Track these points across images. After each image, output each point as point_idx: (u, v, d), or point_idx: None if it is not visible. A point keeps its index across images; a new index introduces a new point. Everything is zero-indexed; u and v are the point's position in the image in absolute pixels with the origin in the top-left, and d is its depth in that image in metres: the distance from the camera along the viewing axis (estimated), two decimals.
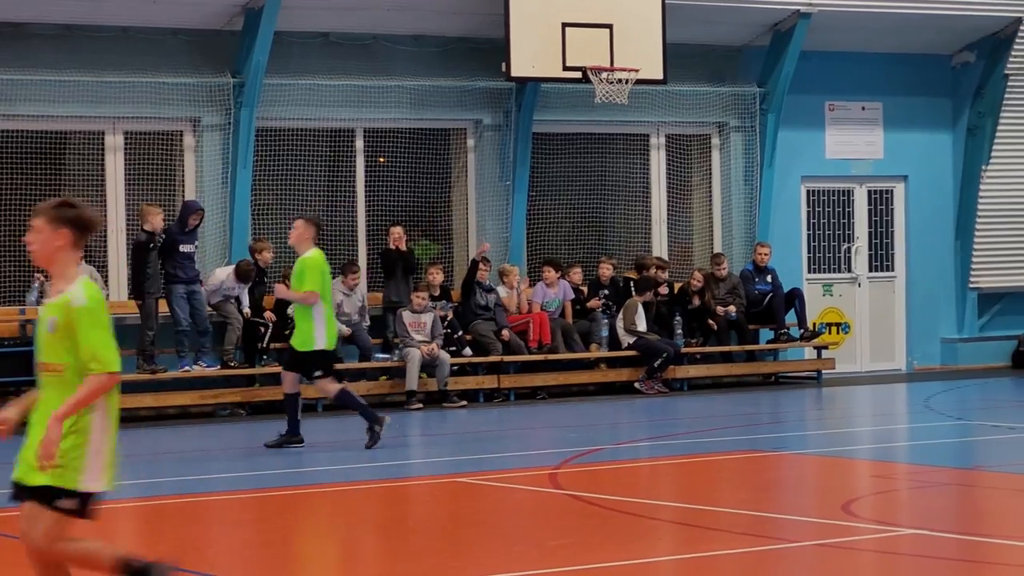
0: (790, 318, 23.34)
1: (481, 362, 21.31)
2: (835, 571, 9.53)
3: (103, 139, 20.40)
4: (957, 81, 25.09)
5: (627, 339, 22.06)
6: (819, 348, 23.70)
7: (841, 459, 15.18)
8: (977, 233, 24.76)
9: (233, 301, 20.08)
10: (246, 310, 20.13)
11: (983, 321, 25.23)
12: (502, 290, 21.83)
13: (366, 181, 21.85)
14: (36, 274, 19.11)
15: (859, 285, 24.81)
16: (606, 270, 22.53)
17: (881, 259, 24.96)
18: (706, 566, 9.66)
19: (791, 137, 23.82)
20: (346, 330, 20.34)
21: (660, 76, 21.95)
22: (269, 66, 20.38)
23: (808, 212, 24.49)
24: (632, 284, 22.42)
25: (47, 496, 6.91)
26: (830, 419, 20.03)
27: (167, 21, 20.47)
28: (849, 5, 23.21)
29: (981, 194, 24.71)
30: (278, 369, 17.83)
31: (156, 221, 19.37)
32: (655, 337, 22.10)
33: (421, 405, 20.31)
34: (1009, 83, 24.52)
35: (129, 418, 19.31)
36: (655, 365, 21.85)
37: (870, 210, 24.85)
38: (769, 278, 23.31)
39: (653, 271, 22.57)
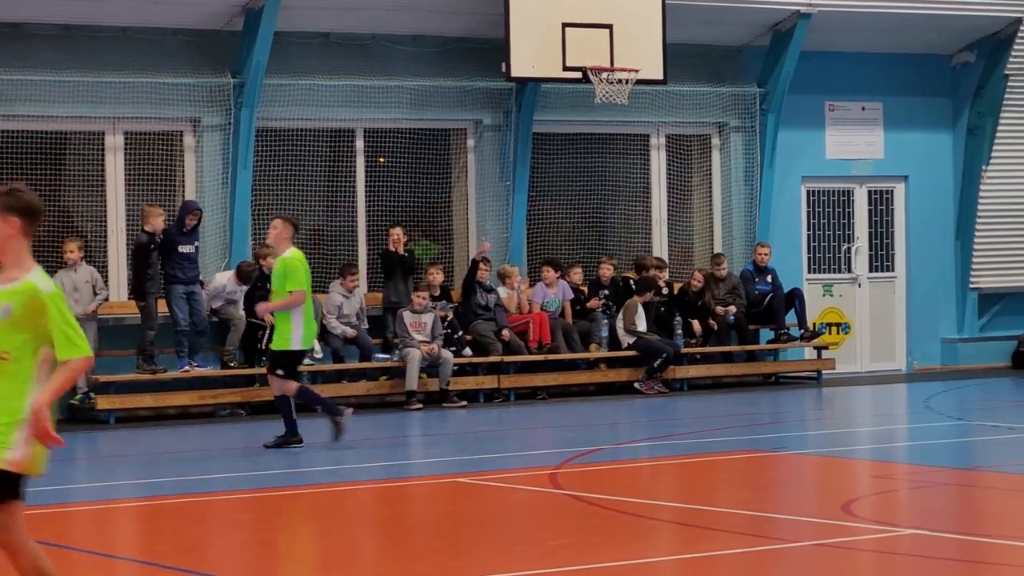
0: (790, 318, 23.33)
1: (481, 362, 21.31)
2: (835, 571, 9.54)
3: (103, 139, 20.38)
4: (957, 81, 25.08)
5: (627, 339, 22.05)
6: (819, 348, 23.69)
7: (841, 459, 15.18)
8: (977, 233, 24.75)
9: (235, 303, 20.07)
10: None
11: (983, 321, 25.21)
12: (502, 290, 21.82)
13: (366, 181, 21.83)
14: None
15: (859, 285, 24.80)
16: (606, 270, 22.52)
17: (881, 259, 24.94)
18: (706, 566, 9.67)
19: (791, 137, 23.80)
20: (351, 332, 20.35)
21: (660, 76, 21.95)
22: (269, 66, 20.37)
23: (808, 212, 24.48)
24: (632, 284, 22.42)
25: None
26: (830, 419, 20.03)
27: (167, 21, 20.46)
28: (849, 5, 23.20)
29: (981, 194, 24.70)
30: None
31: (157, 222, 19.36)
32: (655, 337, 22.10)
33: (421, 405, 20.30)
34: (1009, 83, 24.50)
35: (129, 418, 19.40)
36: (655, 365, 21.84)
37: (870, 210, 24.83)
38: (769, 278, 23.30)
39: (652, 272, 22.57)
